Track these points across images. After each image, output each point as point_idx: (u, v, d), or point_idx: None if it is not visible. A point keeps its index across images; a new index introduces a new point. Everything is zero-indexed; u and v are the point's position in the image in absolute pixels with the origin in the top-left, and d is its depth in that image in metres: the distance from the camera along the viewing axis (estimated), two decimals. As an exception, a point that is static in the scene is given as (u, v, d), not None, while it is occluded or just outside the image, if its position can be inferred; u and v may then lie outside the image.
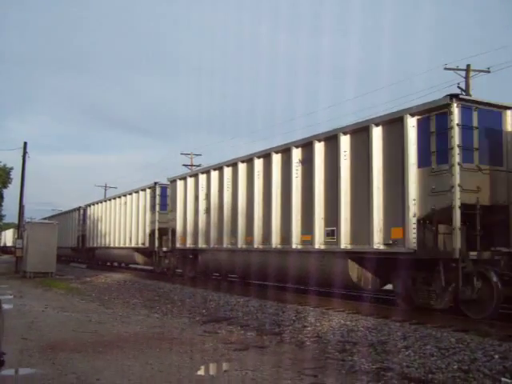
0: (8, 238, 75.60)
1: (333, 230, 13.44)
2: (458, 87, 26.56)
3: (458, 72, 27.49)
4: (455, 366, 7.23)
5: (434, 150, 11.15)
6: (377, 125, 12.45)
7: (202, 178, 20.63)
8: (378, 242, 12.08)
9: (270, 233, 15.82)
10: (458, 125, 10.82)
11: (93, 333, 10.10)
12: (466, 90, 26.83)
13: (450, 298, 10.90)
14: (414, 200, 11.40)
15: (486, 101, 11.57)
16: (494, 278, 10.33)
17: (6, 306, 14.33)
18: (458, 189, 10.60)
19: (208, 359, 8.09)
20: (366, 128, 12.62)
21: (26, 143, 33.59)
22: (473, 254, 10.55)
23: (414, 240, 11.23)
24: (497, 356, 7.57)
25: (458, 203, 10.55)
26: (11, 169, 41.23)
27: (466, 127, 11.00)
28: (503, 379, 6.58)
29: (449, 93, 11.19)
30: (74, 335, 9.85)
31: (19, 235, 32.67)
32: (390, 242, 11.85)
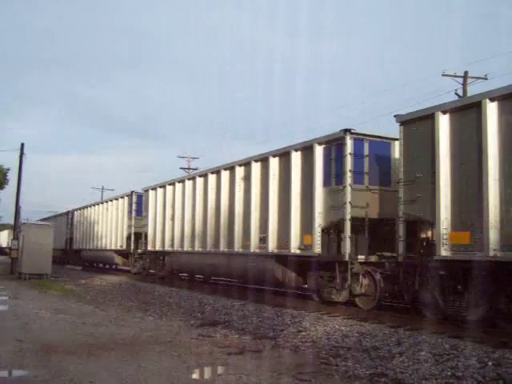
0: (3, 239, 75.36)
1: (264, 237, 16.17)
2: (456, 94, 26.69)
3: (456, 79, 27.63)
4: (449, 373, 7.24)
5: (334, 173, 13.81)
6: (296, 150, 15.10)
7: (169, 189, 23.92)
8: (294, 246, 14.75)
9: (219, 238, 18.79)
10: (350, 153, 13.30)
11: (87, 335, 10.07)
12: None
13: (347, 293, 13.54)
14: (320, 213, 14.02)
15: (376, 133, 13.96)
16: (377, 277, 12.74)
17: (0, 308, 14.34)
18: (348, 205, 13.11)
19: (202, 363, 8.08)
20: (288, 153, 15.25)
21: (23, 144, 33.52)
22: (361, 258, 13.26)
23: (319, 245, 13.95)
24: (490, 363, 7.59)
25: (348, 217, 13.08)
26: (8, 170, 41.11)
27: (357, 155, 13.47)
28: (496, 386, 6.59)
29: (344, 128, 13.48)
30: (69, 337, 9.83)
31: (15, 236, 32.57)
32: (303, 247, 14.48)
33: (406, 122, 11.99)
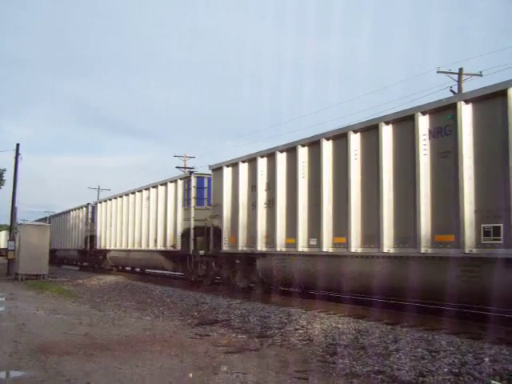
0: (1, 240, 75.16)
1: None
2: (451, 91, 26.71)
3: (451, 75, 27.67)
4: (446, 369, 7.25)
5: (186, 198, 21.47)
6: (171, 182, 23.10)
7: (110, 203, 31.18)
8: (160, 245, 23.54)
9: (138, 239, 27.12)
10: (194, 186, 20.93)
11: (84, 335, 10.06)
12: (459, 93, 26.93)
13: (195, 275, 20.72)
14: (180, 223, 21.62)
15: (208, 173, 20.07)
16: (212, 264, 19.26)
17: (-4, 309, 14.30)
18: (192, 219, 20.54)
19: (199, 362, 8.06)
20: (175, 181, 22.90)
21: (18, 145, 33.44)
22: (201, 252, 19.57)
23: (179, 244, 21.50)
24: (487, 359, 7.60)
25: (192, 226, 20.48)
26: (4, 170, 40.98)
27: (199, 187, 21.07)
28: (493, 382, 6.60)
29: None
30: (65, 338, 9.81)
31: (11, 237, 32.51)
32: (171, 245, 22.31)
33: (213, 169, 18.61)
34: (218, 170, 18.28)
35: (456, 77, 27.74)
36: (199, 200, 21.11)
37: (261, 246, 15.60)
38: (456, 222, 9.83)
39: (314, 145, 13.78)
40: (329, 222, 13.09)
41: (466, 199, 9.67)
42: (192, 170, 22.86)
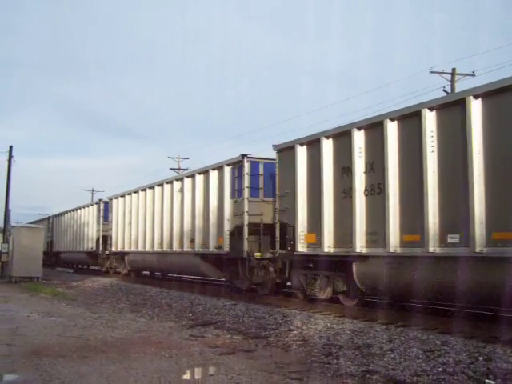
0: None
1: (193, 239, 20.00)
2: (444, 91, 26.83)
3: (444, 76, 27.79)
4: (440, 369, 7.26)
5: (237, 188, 17.39)
6: (213, 169, 18.96)
7: (128, 198, 27.44)
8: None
9: (167, 240, 22.43)
10: (247, 173, 16.86)
11: (78, 338, 10.02)
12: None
13: (249, 282, 16.95)
14: (228, 220, 17.74)
15: (268, 157, 16.96)
16: (271, 269, 15.91)
17: (-10, 312, 14.22)
18: (246, 214, 16.71)
19: (194, 363, 8.04)
20: (207, 171, 19.39)
21: (11, 147, 33.36)
22: (257, 254, 16.31)
23: (228, 245, 17.53)
24: (481, 358, 7.64)
25: (246, 222, 16.73)
26: (-4, 173, 40.79)
27: (253, 174, 16.97)
28: (487, 381, 6.62)
29: (242, 153, 16.97)
30: (59, 340, 9.76)
31: (5, 239, 32.35)
32: (217, 246, 18.32)
33: (280, 150, 15.26)
34: (287, 150, 14.91)
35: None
36: (253, 190, 16.94)
37: (360, 246, 12.26)
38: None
39: (449, 106, 10.71)
40: (481, 209, 9.76)
41: None
42: (245, 154, 17.01)
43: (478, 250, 9.62)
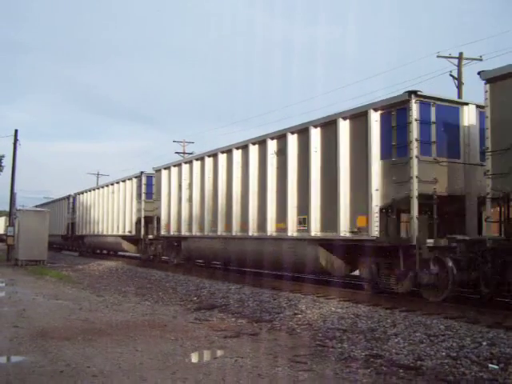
0: (0, 226, 75.10)
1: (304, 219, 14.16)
2: (451, 75, 26.60)
3: (451, 60, 27.52)
4: (444, 353, 7.30)
5: (395, 144, 11.66)
6: (344, 118, 12.96)
7: (185, 167, 21.02)
8: (344, 230, 12.74)
9: (256, 221, 16.31)
10: (416, 120, 11.25)
11: (84, 320, 10.09)
12: (459, 78, 26.87)
13: (410, 282, 11.48)
14: (377, 190, 11.93)
15: (443, 97, 11.99)
16: (450, 264, 10.68)
17: (-4, 294, 14.35)
18: (415, 180, 11.07)
19: (199, 346, 8.10)
20: (334, 121, 13.20)
21: (16, 131, 33.30)
22: (429, 241, 10.92)
23: (377, 228, 11.79)
24: (485, 343, 7.67)
25: (415, 193, 11.03)
26: (3, 156, 40.85)
27: (423, 122, 11.45)
28: (490, 365, 6.64)
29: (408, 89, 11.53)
30: (65, 323, 9.84)
31: (10, 223, 32.50)
32: (356, 230, 12.44)
33: (495, 78, 9.75)
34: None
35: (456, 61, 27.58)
36: (424, 146, 11.66)
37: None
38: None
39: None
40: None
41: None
42: (413, 90, 11.49)
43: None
